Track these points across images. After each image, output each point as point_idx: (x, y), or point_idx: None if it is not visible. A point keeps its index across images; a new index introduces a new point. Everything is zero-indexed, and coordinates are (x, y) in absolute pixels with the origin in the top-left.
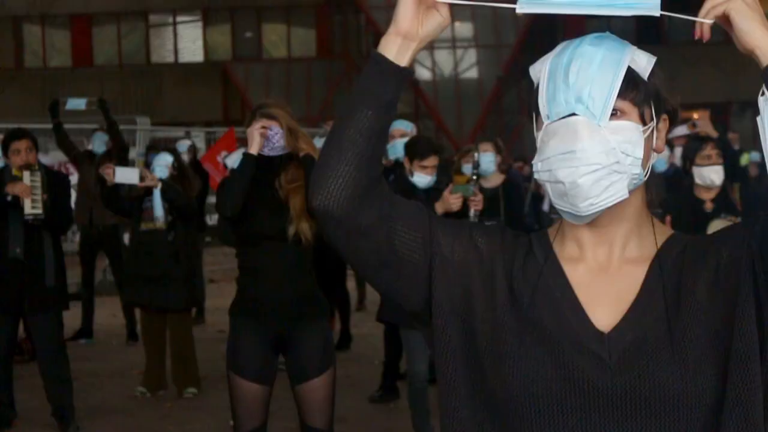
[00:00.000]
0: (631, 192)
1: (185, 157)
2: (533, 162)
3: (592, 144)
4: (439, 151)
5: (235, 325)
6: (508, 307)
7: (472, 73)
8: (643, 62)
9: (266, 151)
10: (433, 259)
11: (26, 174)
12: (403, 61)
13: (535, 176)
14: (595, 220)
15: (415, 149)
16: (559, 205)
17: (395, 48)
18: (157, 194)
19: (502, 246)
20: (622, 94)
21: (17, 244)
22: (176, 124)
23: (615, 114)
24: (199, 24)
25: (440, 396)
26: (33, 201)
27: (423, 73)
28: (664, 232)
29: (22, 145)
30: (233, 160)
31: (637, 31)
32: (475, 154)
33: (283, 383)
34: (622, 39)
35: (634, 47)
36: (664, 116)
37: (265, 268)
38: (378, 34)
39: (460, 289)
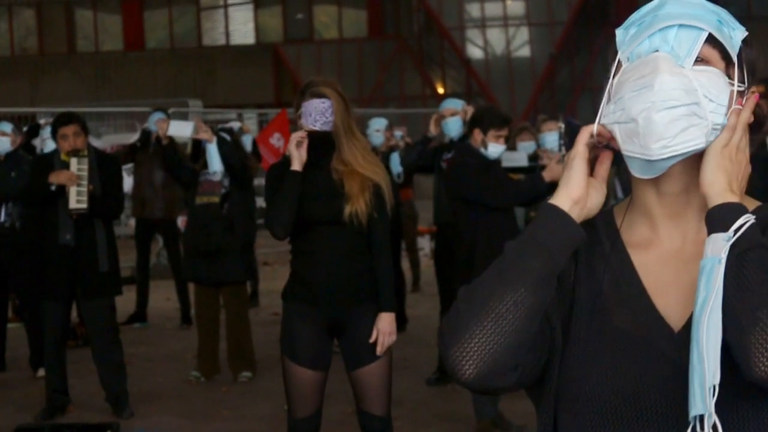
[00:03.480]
0: (707, 144)
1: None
2: (601, 109)
3: (673, 80)
4: (511, 120)
5: (288, 310)
6: (577, 301)
7: (525, 52)
8: (740, 32)
9: (319, 126)
10: None
11: (74, 161)
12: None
13: (603, 121)
14: (666, 186)
15: (491, 119)
16: (628, 151)
17: (567, 206)
18: (212, 149)
19: None
20: (711, 42)
21: (67, 231)
22: (228, 107)
23: (700, 60)
24: (250, 6)
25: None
26: (78, 194)
27: (475, 53)
28: (750, 204)
29: (69, 130)
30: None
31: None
32: (561, 125)
33: (340, 367)
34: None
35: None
36: (755, 89)
37: (320, 252)
38: (429, 14)
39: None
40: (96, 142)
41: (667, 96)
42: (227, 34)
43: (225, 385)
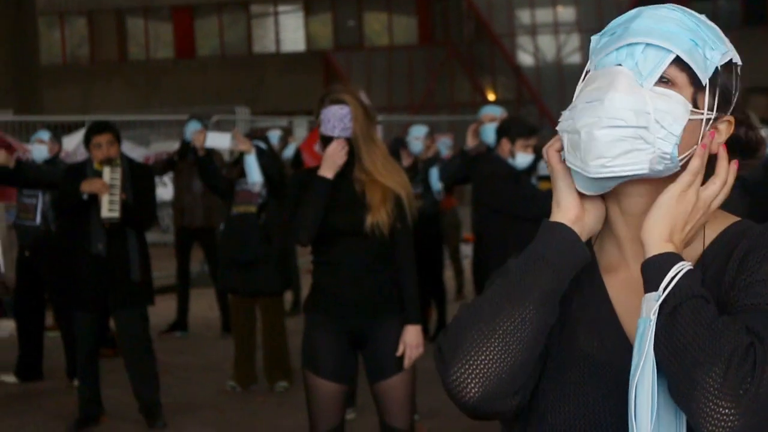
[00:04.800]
0: (656, 172)
1: (275, 147)
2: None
3: (624, 99)
4: (538, 130)
5: (310, 321)
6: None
7: (575, 59)
8: (718, 54)
9: (337, 132)
10: None
11: (106, 170)
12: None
13: (558, 128)
14: (628, 207)
15: (518, 129)
16: (570, 162)
17: (569, 224)
18: (251, 159)
19: None
20: (679, 64)
21: (99, 240)
22: (279, 114)
23: (665, 82)
24: (301, 13)
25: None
26: (110, 202)
27: (526, 59)
28: (722, 223)
29: (103, 138)
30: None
31: (743, 11)
32: None
33: None
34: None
35: (721, 39)
36: (729, 118)
37: (341, 263)
38: (479, 20)
39: None
40: (146, 151)
41: (614, 114)
42: (277, 42)
43: (261, 395)
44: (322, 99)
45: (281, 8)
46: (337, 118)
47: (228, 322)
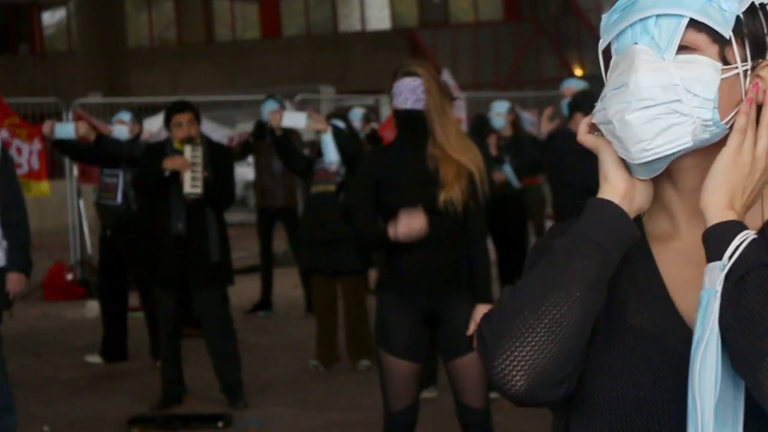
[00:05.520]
0: (702, 141)
1: (357, 125)
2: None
3: (648, 77)
4: None
5: (382, 300)
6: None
7: None
8: (735, 2)
9: (410, 104)
10: None
11: (188, 148)
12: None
13: (594, 120)
14: (682, 184)
15: (591, 102)
16: (618, 152)
17: (617, 200)
18: (327, 139)
19: None
20: (696, 25)
21: (179, 220)
22: (365, 92)
23: (686, 48)
24: None
25: None
26: (193, 179)
27: None
28: None
29: (183, 117)
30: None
31: None
32: None
33: None
34: None
35: None
36: (765, 63)
37: (415, 240)
38: None
39: None
40: (231, 132)
41: (641, 95)
42: (363, 20)
43: (343, 373)
44: (394, 73)
45: None
46: (409, 90)
47: (312, 302)
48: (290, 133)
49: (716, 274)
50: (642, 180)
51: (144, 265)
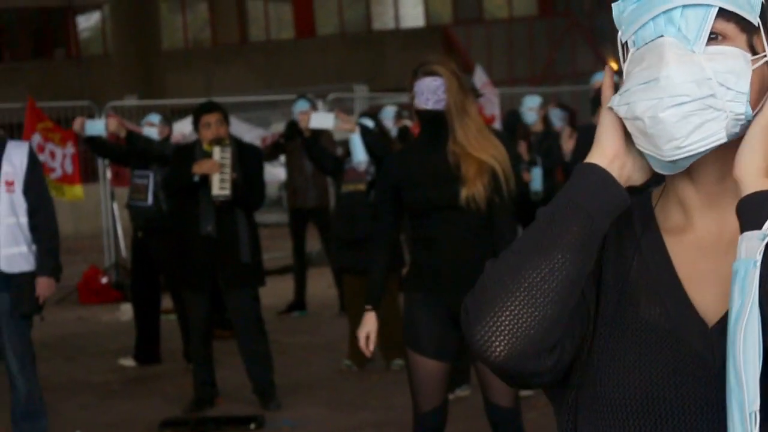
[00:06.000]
0: (734, 136)
1: (389, 124)
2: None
3: (681, 71)
4: None
5: (409, 299)
6: (603, 288)
7: None
8: None
9: (431, 105)
10: None
11: (216, 149)
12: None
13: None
14: (699, 177)
15: None
16: (641, 146)
17: (604, 165)
18: (356, 139)
19: None
20: (725, 15)
21: (209, 222)
22: (400, 90)
23: (714, 38)
24: None
25: None
26: (221, 181)
27: None
28: None
29: (212, 118)
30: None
31: None
32: None
33: None
34: None
35: None
36: None
37: (438, 238)
38: None
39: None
40: (264, 132)
41: (675, 91)
42: (397, 18)
43: (377, 373)
44: (414, 71)
45: None
46: (430, 91)
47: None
48: (320, 134)
49: (755, 244)
50: (639, 154)
51: (175, 267)
